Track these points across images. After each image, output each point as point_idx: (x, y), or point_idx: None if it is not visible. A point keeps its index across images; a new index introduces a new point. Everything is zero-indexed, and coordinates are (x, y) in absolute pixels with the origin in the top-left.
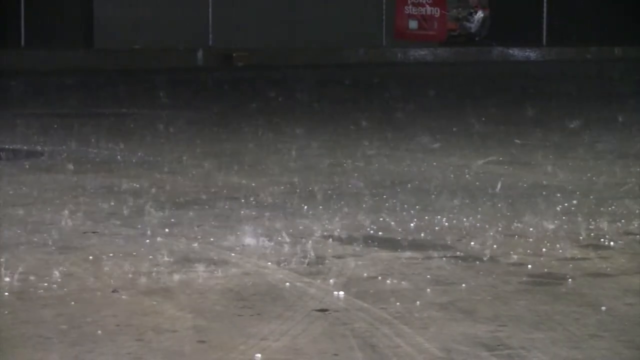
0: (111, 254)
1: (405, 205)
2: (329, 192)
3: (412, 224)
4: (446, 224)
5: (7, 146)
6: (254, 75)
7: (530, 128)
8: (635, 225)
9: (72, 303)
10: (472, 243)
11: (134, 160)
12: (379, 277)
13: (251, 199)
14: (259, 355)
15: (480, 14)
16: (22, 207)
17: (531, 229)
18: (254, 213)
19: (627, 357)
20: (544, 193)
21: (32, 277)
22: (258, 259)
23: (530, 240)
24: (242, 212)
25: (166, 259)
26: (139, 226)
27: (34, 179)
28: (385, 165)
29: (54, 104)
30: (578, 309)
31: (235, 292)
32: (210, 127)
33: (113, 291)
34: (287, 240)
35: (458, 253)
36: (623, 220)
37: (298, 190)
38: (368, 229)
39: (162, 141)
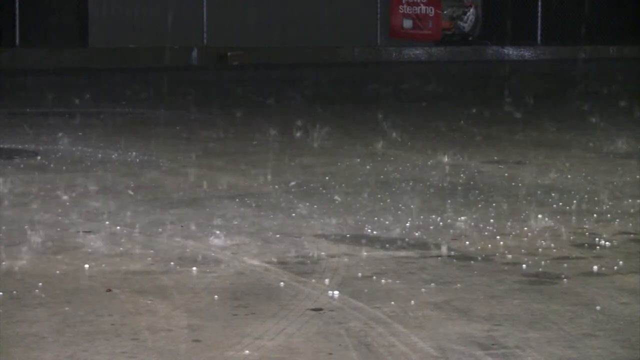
0: (106, 253)
1: (400, 205)
2: (324, 191)
3: (407, 224)
4: (441, 223)
5: (1, 145)
6: (248, 74)
7: (524, 127)
8: (630, 224)
9: (67, 302)
10: (467, 242)
11: (129, 160)
12: (374, 277)
13: (246, 198)
14: (247, 351)
15: (473, 14)
16: (17, 207)
17: (526, 229)
18: (248, 212)
19: (622, 356)
20: (538, 192)
21: (26, 277)
22: (253, 259)
23: (525, 239)
24: (237, 211)
25: (161, 258)
26: (134, 225)
27: (29, 178)
28: (381, 165)
29: (48, 103)
30: (573, 308)
31: (230, 292)
32: (205, 126)
33: (108, 290)
34: (282, 239)
35: (453, 252)
36: (618, 220)
37: (293, 190)
38: (363, 228)
39: (157, 140)
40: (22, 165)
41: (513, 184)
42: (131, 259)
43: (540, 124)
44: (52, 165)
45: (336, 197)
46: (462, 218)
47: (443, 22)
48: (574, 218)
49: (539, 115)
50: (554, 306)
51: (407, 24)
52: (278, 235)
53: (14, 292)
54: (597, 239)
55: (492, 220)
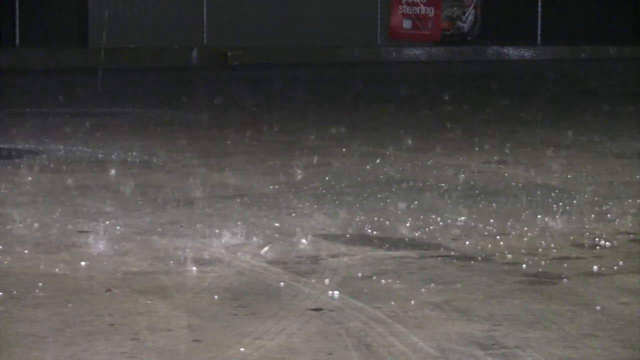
0: (105, 253)
1: (400, 205)
2: (324, 191)
3: (407, 224)
4: (441, 223)
5: (1, 145)
6: (248, 74)
7: (525, 127)
8: (630, 224)
9: (67, 302)
10: (467, 242)
11: (128, 160)
12: (374, 277)
13: (245, 198)
14: (247, 351)
15: (473, 14)
16: (17, 207)
17: (526, 228)
18: (248, 212)
19: (622, 356)
20: (538, 192)
21: (26, 277)
22: (252, 258)
23: (525, 239)
24: (237, 211)
25: (161, 258)
26: (134, 225)
27: (29, 178)
28: (380, 165)
29: (48, 103)
30: (573, 308)
31: (230, 292)
32: (204, 126)
33: (108, 290)
34: (282, 239)
35: (453, 252)
36: (618, 220)
37: (292, 190)
38: (363, 228)
39: (156, 140)
40: (22, 165)
41: (513, 184)
42: (131, 259)
43: (540, 124)
44: (52, 165)
45: (336, 197)
46: (462, 218)
47: (442, 23)
48: (574, 218)
49: (539, 115)
50: (554, 306)
51: (407, 24)
52: (278, 235)
53: (14, 292)
54: (597, 239)
55: (492, 220)
